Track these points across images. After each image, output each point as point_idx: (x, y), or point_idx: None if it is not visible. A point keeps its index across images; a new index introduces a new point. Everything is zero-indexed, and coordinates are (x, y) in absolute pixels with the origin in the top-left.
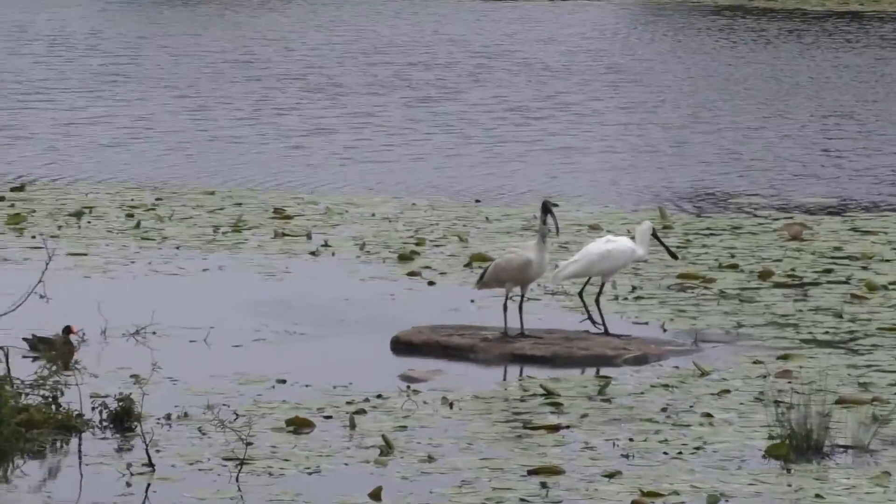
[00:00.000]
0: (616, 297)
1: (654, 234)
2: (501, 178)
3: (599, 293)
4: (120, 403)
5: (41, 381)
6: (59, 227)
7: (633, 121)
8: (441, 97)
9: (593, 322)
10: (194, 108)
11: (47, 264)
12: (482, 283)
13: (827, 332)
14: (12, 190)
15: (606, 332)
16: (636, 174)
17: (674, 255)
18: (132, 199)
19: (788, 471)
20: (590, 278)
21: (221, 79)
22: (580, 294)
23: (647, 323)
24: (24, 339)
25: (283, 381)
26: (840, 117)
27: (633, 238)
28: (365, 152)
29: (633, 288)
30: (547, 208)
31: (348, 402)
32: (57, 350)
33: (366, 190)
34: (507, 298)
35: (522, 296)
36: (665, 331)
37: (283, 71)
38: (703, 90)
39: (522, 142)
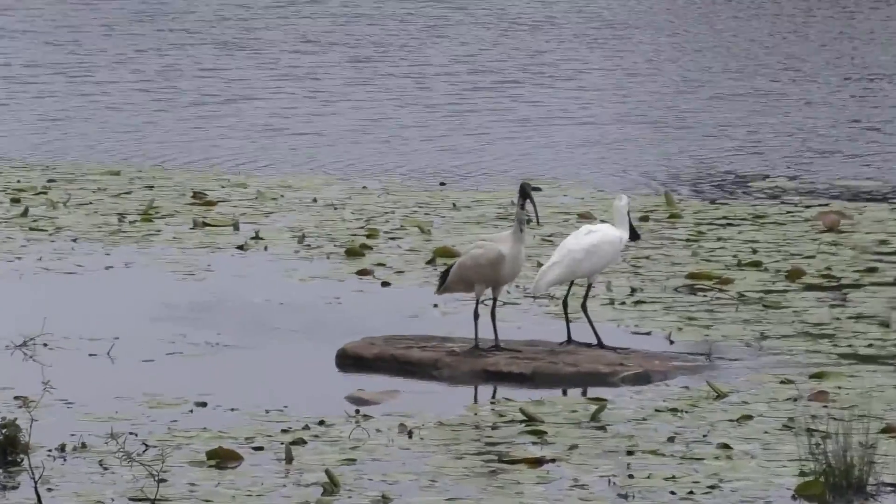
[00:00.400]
0: (611, 302)
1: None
2: (471, 156)
3: (586, 297)
4: (3, 431)
5: None
6: None
7: (626, 85)
8: (391, 56)
9: (569, 339)
10: (90, 68)
11: None
12: (444, 287)
13: (871, 345)
14: None
15: (600, 345)
16: (634, 151)
17: (636, 237)
18: (18, 181)
19: None
20: (573, 281)
21: (122, 33)
22: (564, 303)
23: (649, 333)
24: None
25: (204, 405)
26: (877, 80)
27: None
28: (303, 123)
29: (633, 290)
30: (525, 192)
31: (284, 431)
32: None
33: (305, 169)
34: (477, 303)
35: (495, 299)
36: (672, 343)
37: (197, 25)
38: (709, 48)
39: (495, 111)
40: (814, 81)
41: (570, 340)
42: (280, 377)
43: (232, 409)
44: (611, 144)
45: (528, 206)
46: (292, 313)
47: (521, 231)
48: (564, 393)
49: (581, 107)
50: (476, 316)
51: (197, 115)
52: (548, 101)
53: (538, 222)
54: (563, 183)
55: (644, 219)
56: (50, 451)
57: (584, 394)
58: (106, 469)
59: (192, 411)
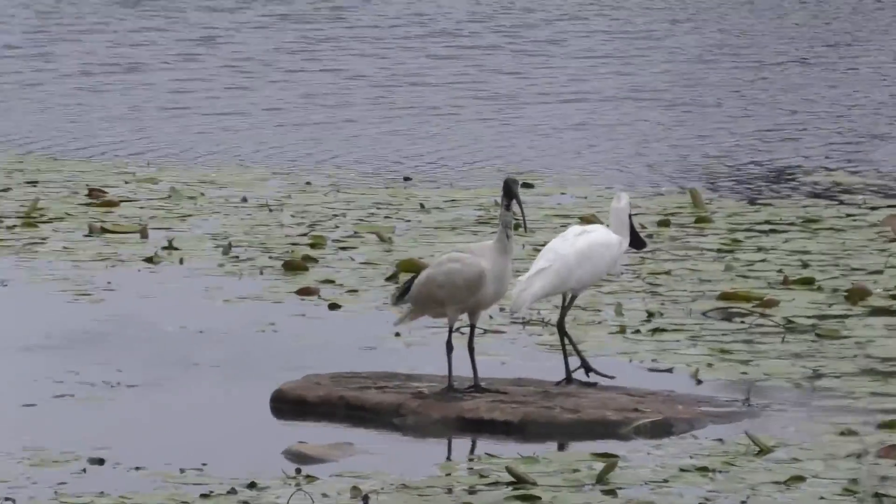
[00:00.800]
0: (622, 329)
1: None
2: (442, 144)
3: (563, 314)
4: None
5: None
6: None
7: (632, 54)
8: (328, 17)
9: (588, 370)
10: None
11: None
12: (405, 300)
13: None
14: None
15: (587, 373)
16: (648, 137)
17: (641, 244)
18: None
19: None
20: (568, 300)
21: None
22: (560, 325)
23: (671, 370)
24: None
25: (101, 462)
26: None
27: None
28: (229, 102)
29: (650, 315)
30: (511, 190)
31: (203, 495)
32: None
33: (232, 160)
34: (450, 332)
35: (473, 327)
36: (700, 382)
37: None
38: (733, 19)
39: (471, 86)
40: (862, 61)
41: (570, 379)
42: (199, 426)
43: (137, 468)
44: (618, 129)
45: (515, 208)
46: (215, 344)
47: (507, 239)
48: (562, 447)
49: (575, 80)
50: (450, 348)
51: (90, 89)
52: (534, 72)
53: (525, 228)
54: (559, 178)
55: (663, 223)
56: None
57: (588, 448)
58: None
59: (85, 470)
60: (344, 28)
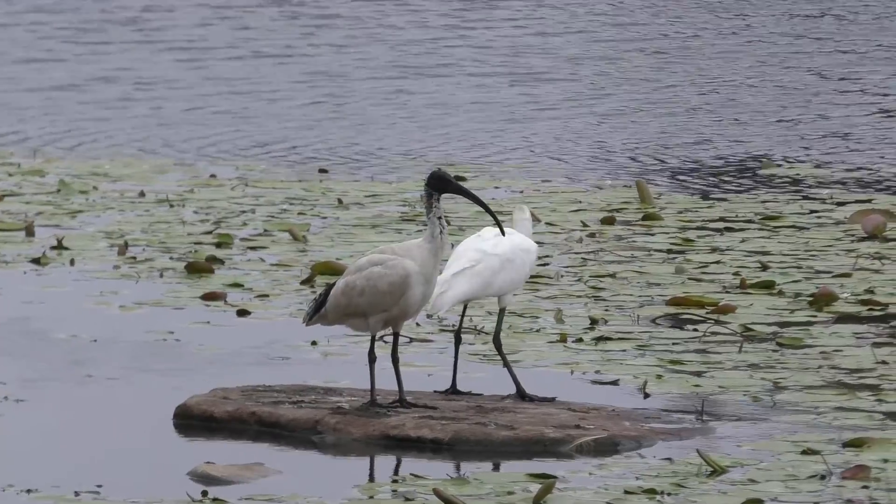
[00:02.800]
0: (562, 338)
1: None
2: (362, 132)
3: (499, 328)
4: None
5: None
6: None
7: (581, 29)
8: None
9: (524, 397)
10: None
11: None
12: (320, 315)
13: None
14: None
15: (520, 394)
16: (590, 128)
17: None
18: None
19: None
20: (504, 313)
21: None
22: (497, 342)
23: (616, 382)
24: None
25: None
26: None
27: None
28: (125, 85)
29: (593, 322)
30: (440, 183)
31: None
32: None
33: (129, 150)
34: (373, 341)
35: (397, 335)
36: (647, 396)
37: None
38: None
39: (396, 68)
40: (838, 46)
41: (522, 395)
42: (95, 444)
43: (28, 491)
44: (557, 117)
45: (438, 205)
46: (111, 355)
47: (440, 237)
48: (497, 467)
49: (508, 62)
50: (372, 359)
51: None
52: (461, 52)
53: (503, 231)
54: (491, 170)
55: (607, 220)
56: None
57: (524, 468)
58: None
59: None
60: (268, 11)
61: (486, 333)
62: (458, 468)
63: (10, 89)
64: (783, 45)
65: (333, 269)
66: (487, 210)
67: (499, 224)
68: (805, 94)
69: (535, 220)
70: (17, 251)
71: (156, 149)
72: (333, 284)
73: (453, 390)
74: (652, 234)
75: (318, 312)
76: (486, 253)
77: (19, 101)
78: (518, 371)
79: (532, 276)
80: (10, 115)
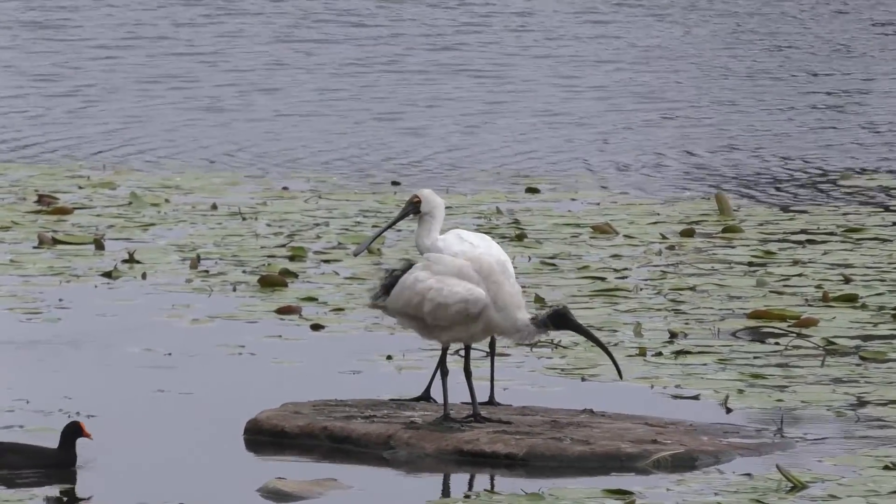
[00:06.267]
0: (641, 352)
1: None
2: (437, 145)
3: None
4: None
5: None
6: None
7: (648, 49)
8: (323, 12)
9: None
10: None
11: None
12: (377, 303)
13: None
14: None
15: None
16: (669, 139)
17: None
18: None
19: None
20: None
21: None
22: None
23: (696, 397)
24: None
25: (63, 502)
26: None
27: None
28: (197, 97)
29: (672, 335)
30: (560, 321)
31: None
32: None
33: (200, 162)
34: (444, 353)
35: (469, 348)
36: (729, 411)
37: None
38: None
39: (466, 77)
40: None
41: (493, 401)
42: (165, 460)
43: None
44: (633, 128)
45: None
46: (183, 369)
47: (531, 335)
48: (572, 483)
49: (583, 74)
50: (444, 372)
51: (35, 78)
52: (532, 65)
53: (621, 376)
54: (568, 182)
55: (687, 233)
56: None
57: (600, 484)
58: None
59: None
60: (341, 27)
61: (564, 347)
62: (532, 484)
63: (76, 99)
64: (863, 51)
65: None
66: (609, 355)
67: (617, 368)
68: (888, 101)
69: (613, 232)
70: (87, 265)
71: (227, 161)
72: (408, 265)
73: (425, 396)
74: (732, 247)
75: (385, 294)
76: (489, 243)
77: (88, 112)
78: (597, 386)
79: (610, 289)
80: (79, 127)
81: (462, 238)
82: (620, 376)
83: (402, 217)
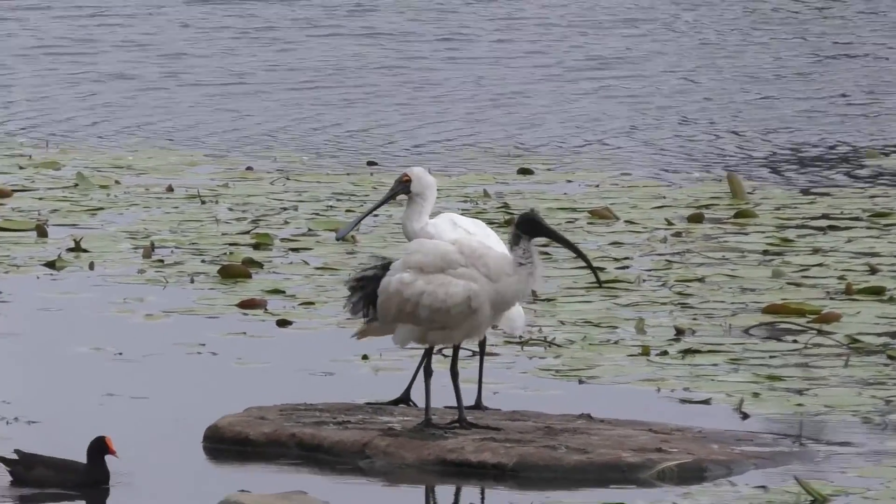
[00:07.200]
0: (645, 350)
1: None
2: (416, 121)
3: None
4: None
5: None
6: None
7: (656, 21)
8: None
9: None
10: None
11: None
12: (371, 324)
13: None
14: None
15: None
16: (675, 116)
17: None
18: None
19: None
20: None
21: None
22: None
23: (707, 401)
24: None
25: None
26: None
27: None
28: (151, 69)
29: (679, 332)
30: (531, 226)
31: None
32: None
33: (155, 140)
34: (429, 354)
35: (457, 348)
36: (745, 417)
37: None
38: None
39: (447, 48)
40: None
41: (479, 405)
42: (115, 472)
43: None
44: (637, 104)
45: (529, 247)
46: (135, 370)
47: (528, 278)
48: (567, 496)
49: (580, 48)
50: (428, 373)
51: None
52: (518, 35)
53: (599, 281)
54: (563, 161)
55: (695, 218)
56: None
57: (599, 497)
58: None
59: None
60: None
61: (559, 346)
62: (523, 497)
63: (17, 72)
64: (882, 27)
65: None
66: (585, 259)
67: (595, 273)
68: None
69: (613, 217)
70: (28, 253)
71: (184, 139)
72: (384, 265)
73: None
74: (745, 234)
75: (370, 306)
76: (489, 237)
77: (32, 87)
78: (595, 388)
79: (610, 281)
80: (19, 102)
81: (456, 224)
82: (599, 283)
83: (390, 198)
